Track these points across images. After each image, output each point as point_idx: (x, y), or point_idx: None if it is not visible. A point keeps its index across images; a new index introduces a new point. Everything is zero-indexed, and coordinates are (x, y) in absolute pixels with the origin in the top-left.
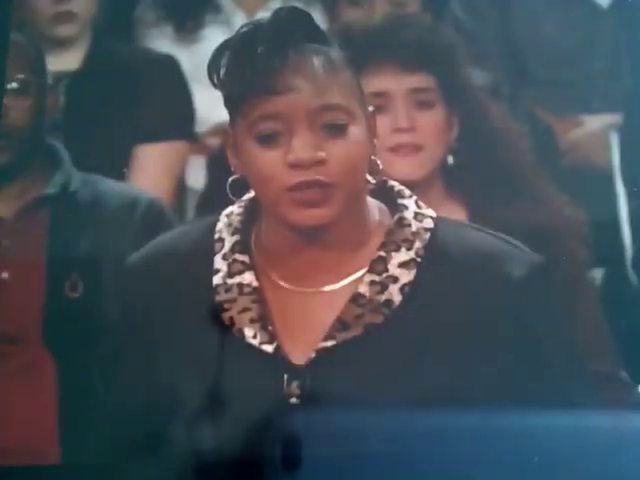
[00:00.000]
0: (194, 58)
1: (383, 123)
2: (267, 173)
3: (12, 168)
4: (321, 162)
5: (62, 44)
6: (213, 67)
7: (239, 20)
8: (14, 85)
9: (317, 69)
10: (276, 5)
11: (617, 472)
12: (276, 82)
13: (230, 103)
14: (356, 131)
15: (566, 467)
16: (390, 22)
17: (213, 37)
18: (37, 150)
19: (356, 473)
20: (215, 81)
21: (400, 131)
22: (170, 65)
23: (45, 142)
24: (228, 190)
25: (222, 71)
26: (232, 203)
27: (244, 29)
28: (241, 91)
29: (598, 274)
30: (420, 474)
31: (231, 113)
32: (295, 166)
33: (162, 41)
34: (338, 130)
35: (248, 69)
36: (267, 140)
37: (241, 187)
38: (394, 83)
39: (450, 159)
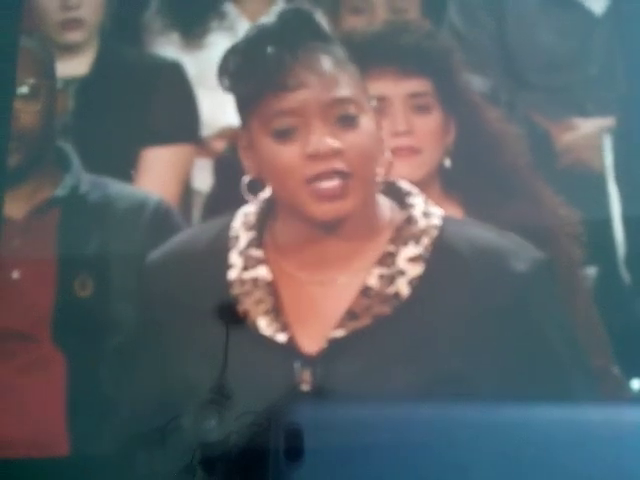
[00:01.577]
0: (200, 63)
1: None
2: (286, 167)
3: (23, 170)
4: (339, 152)
5: (70, 50)
6: (222, 71)
7: (243, 26)
8: (25, 89)
9: (326, 64)
10: (279, 11)
11: (611, 463)
12: (288, 79)
13: (243, 104)
14: (367, 122)
15: (562, 458)
16: (388, 28)
17: (218, 43)
18: (47, 153)
19: (365, 459)
20: (226, 84)
21: (398, 134)
22: (176, 70)
23: (55, 145)
24: (245, 191)
25: (232, 73)
26: (238, 205)
27: (251, 32)
28: (254, 90)
29: (592, 272)
30: (423, 463)
31: (244, 114)
32: (314, 157)
33: (168, 47)
34: (351, 121)
35: (260, 68)
36: (284, 135)
37: (254, 189)
38: (392, 88)
39: (447, 162)
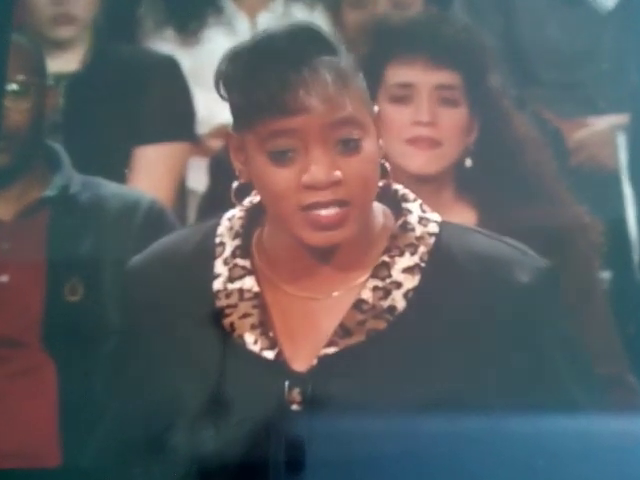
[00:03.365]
0: (196, 60)
1: (404, 114)
2: (281, 192)
3: (12, 170)
4: (337, 182)
5: (61, 45)
6: (220, 77)
7: (241, 22)
8: (14, 87)
9: (329, 84)
10: (277, 7)
11: (622, 475)
12: (290, 102)
13: (238, 116)
14: (369, 145)
15: (571, 470)
16: (426, 17)
17: (215, 39)
18: (37, 152)
19: (367, 471)
20: (221, 91)
21: (421, 124)
22: (171, 66)
23: (45, 144)
24: (232, 196)
25: (231, 83)
26: (234, 206)
27: (256, 41)
28: (254, 109)
29: (606, 276)
30: (423, 476)
31: (238, 124)
32: (311, 187)
33: (163, 43)
34: (353, 147)
35: (262, 88)
36: (280, 158)
37: (244, 191)
38: (422, 76)
39: (468, 162)
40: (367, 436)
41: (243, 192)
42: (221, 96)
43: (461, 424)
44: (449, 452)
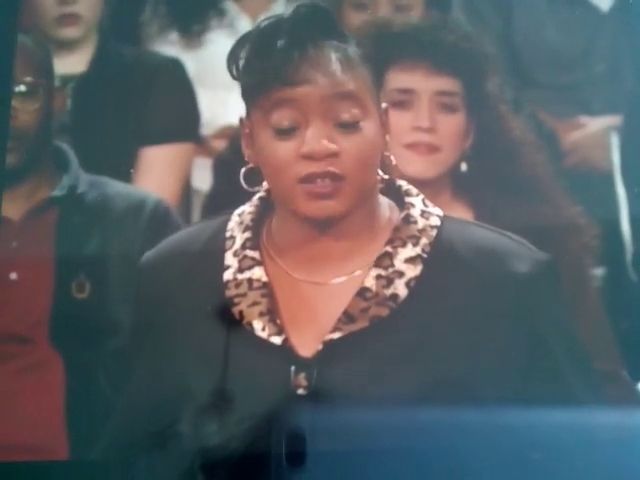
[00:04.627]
0: (199, 61)
1: (404, 119)
2: (281, 163)
3: (20, 170)
4: (334, 154)
5: (68, 46)
6: (232, 58)
7: (243, 24)
8: (22, 88)
9: (334, 63)
10: (279, 8)
11: (617, 469)
12: (293, 74)
13: (247, 93)
14: (369, 127)
15: (567, 464)
16: (429, 23)
17: (218, 41)
18: (45, 152)
19: (363, 466)
20: (234, 72)
21: (420, 130)
22: (175, 68)
23: (53, 144)
24: (242, 180)
25: (241, 62)
26: (238, 205)
27: (265, 23)
28: (258, 82)
29: (599, 273)
30: (424, 468)
31: (247, 104)
32: (308, 157)
33: (168, 44)
34: (352, 126)
35: (266, 61)
36: (282, 131)
37: (254, 178)
38: (422, 82)
39: (463, 166)
40: (370, 423)
41: (253, 180)
42: (233, 76)
43: (459, 416)
44: (447, 444)
